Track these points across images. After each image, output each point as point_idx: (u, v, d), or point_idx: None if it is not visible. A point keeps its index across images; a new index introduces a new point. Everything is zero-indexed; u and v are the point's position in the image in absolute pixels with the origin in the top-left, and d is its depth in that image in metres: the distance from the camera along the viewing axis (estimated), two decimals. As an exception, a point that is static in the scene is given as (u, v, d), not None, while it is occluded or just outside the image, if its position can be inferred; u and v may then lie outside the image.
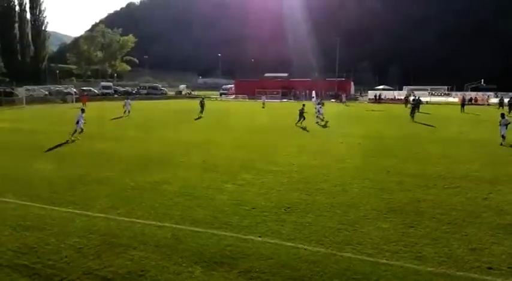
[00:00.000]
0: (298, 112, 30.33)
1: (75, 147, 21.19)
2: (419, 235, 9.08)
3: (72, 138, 22.80)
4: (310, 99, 68.13)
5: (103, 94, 79.33)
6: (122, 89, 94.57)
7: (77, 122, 23.30)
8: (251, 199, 11.69)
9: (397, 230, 9.38)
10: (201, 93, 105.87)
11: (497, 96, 63.02)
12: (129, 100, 41.97)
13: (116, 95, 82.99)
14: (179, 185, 13.26)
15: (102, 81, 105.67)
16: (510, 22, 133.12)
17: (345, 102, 67.61)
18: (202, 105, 40.63)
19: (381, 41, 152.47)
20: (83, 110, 24.09)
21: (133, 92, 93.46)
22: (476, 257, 7.93)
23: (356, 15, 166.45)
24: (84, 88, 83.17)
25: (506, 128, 21.38)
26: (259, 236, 8.99)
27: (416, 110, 33.51)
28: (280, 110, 51.72)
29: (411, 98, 51.80)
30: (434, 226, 9.56)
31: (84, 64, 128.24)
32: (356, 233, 9.21)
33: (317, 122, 32.60)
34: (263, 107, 54.59)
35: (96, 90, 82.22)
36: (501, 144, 20.85)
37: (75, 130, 23.20)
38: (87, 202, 11.51)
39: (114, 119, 36.64)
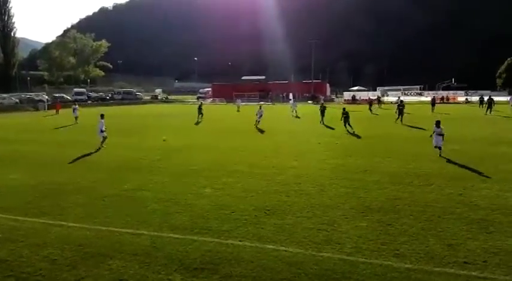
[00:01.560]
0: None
1: (45, 156, 20.65)
2: (396, 232, 9.21)
3: (103, 146, 22.29)
4: (288, 102, 68.80)
5: (76, 100, 77.73)
6: (95, 94, 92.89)
7: (101, 131, 22.54)
8: (231, 203, 11.63)
9: (375, 228, 9.49)
10: (178, 97, 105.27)
11: (467, 95, 64.73)
12: (76, 106, 40.65)
13: (89, 101, 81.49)
14: (156, 191, 13.08)
15: (75, 87, 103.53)
16: (480, 22, 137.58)
17: (323, 103, 68.46)
18: (200, 110, 39.68)
19: (355, 42, 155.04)
20: (102, 116, 23.00)
21: (107, 97, 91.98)
22: (453, 252, 8.10)
23: (331, 17, 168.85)
24: (57, 95, 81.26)
25: (442, 139, 18.14)
26: (240, 240, 8.95)
27: (401, 114, 32.57)
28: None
29: (384, 98, 52.63)
30: (411, 223, 9.72)
31: (56, 70, 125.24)
32: (335, 233, 9.28)
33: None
34: (238, 111, 54.48)
35: (69, 97, 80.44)
36: (440, 155, 17.95)
37: (104, 138, 22.54)
38: (61, 212, 11.22)
39: (61, 127, 35.77)
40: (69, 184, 14.30)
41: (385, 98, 64.41)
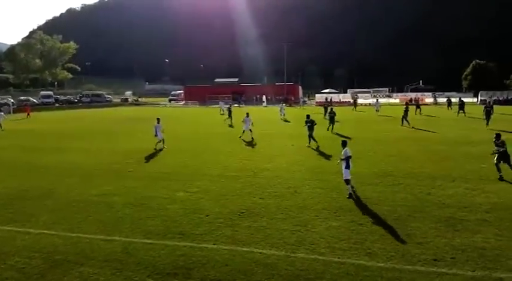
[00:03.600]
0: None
1: (11, 160, 19.94)
2: (368, 231, 9.40)
3: (165, 147, 21.97)
4: (261, 104, 69.07)
5: (43, 104, 75.39)
6: (63, 97, 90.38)
7: (156, 134, 21.96)
8: (205, 206, 11.57)
9: (348, 228, 9.66)
10: (149, 100, 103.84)
11: (435, 96, 66.47)
12: (2, 113, 38.34)
13: (57, 105, 79.26)
14: (128, 196, 12.86)
15: (42, 90, 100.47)
16: (446, 26, 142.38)
17: (301, 105, 69.24)
18: (230, 112, 38.46)
19: (327, 46, 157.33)
20: (158, 120, 22.40)
21: (76, 100, 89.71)
22: (422, 250, 8.33)
23: (303, 20, 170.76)
24: (22, 98, 78.55)
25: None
26: (214, 244, 8.92)
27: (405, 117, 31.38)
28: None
29: (359, 101, 52.81)
30: (381, 223, 9.94)
31: (22, 73, 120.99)
32: (309, 233, 9.38)
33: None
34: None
35: (35, 100, 77.96)
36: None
37: (160, 141, 22.06)
38: (28, 218, 10.88)
39: None
40: (37, 190, 13.87)
41: (361, 101, 65.05)
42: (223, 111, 48.58)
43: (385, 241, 8.81)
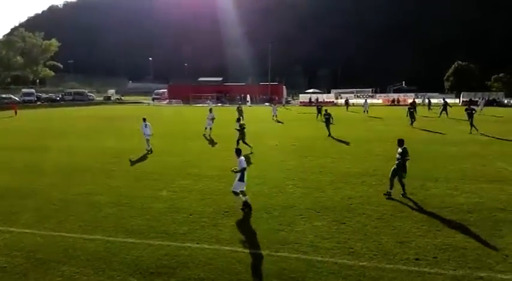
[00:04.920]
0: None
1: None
2: (350, 230, 9.51)
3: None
4: (245, 103, 69.00)
5: (24, 101, 74.00)
6: (45, 95, 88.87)
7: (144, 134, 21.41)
8: (188, 206, 11.54)
9: (331, 227, 9.75)
10: (132, 98, 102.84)
11: (418, 97, 67.17)
12: None
13: (38, 103, 77.86)
14: (111, 195, 12.74)
15: (24, 88, 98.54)
16: (428, 27, 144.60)
17: (284, 105, 69.35)
18: (240, 111, 37.66)
19: (311, 46, 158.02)
20: (144, 119, 21.81)
21: (58, 98, 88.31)
22: (405, 249, 8.46)
23: (287, 20, 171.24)
24: (4, 96, 77.02)
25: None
26: (197, 243, 8.91)
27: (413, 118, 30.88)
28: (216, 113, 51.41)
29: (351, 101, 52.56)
30: (364, 222, 10.06)
31: (3, 70, 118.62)
32: (292, 232, 9.44)
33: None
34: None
35: (17, 98, 76.45)
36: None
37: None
38: (10, 217, 10.72)
39: None
40: (17, 188, 13.65)
41: (353, 101, 65.26)
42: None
43: (367, 240, 8.92)
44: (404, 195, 12.03)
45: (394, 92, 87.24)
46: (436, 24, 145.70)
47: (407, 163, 11.91)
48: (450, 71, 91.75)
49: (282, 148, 21.76)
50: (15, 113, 51.04)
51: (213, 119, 27.99)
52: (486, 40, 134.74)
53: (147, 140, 21.37)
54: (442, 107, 39.66)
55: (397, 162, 11.93)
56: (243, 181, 10.96)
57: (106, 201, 12.10)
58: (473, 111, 27.26)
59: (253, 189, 13.22)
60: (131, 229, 9.78)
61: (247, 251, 8.47)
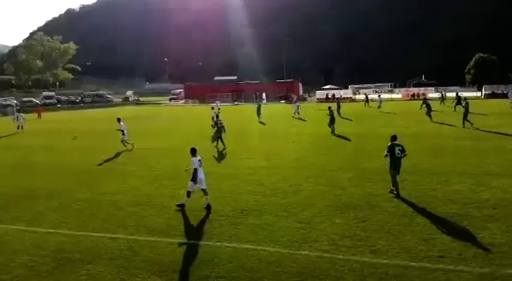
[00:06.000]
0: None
1: (17, 161, 20.00)
2: (372, 228, 9.38)
3: (127, 147, 21.95)
4: (261, 102, 68.83)
5: (45, 104, 75.55)
6: (65, 98, 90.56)
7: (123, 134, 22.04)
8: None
9: (351, 225, 9.64)
10: (150, 99, 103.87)
11: (437, 91, 65.68)
12: (21, 114, 36.90)
13: (59, 105, 79.38)
14: (132, 194, 12.90)
15: (44, 91, 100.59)
16: (445, 19, 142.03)
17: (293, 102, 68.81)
18: (259, 110, 38.01)
19: (326, 42, 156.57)
20: (119, 120, 22.53)
21: (77, 101, 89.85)
22: (428, 246, 8.29)
23: (299, 17, 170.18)
24: (25, 99, 78.81)
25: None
26: (217, 241, 8.93)
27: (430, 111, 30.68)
28: (231, 113, 51.62)
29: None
30: (386, 219, 9.91)
31: (24, 74, 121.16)
32: (312, 230, 9.38)
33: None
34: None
35: (37, 101, 78.10)
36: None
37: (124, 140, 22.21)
38: (35, 218, 10.97)
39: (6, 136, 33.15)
40: (41, 189, 13.93)
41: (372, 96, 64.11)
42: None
43: (390, 238, 8.79)
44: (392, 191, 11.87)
45: (413, 87, 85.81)
46: (453, 17, 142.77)
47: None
48: (471, 63, 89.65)
49: (299, 145, 21.66)
50: (39, 116, 52.05)
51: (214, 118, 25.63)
52: (505, 33, 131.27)
53: (124, 141, 21.86)
54: (456, 101, 38.77)
55: (398, 157, 11.73)
56: (195, 182, 11.02)
57: (127, 200, 12.25)
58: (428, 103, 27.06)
59: (271, 187, 13.22)
60: (152, 228, 9.89)
61: (267, 249, 8.44)
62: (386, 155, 11.92)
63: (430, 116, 30.69)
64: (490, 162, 15.60)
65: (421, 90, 72.82)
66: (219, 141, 21.33)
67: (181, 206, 11.22)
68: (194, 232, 9.52)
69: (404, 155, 11.84)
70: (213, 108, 32.48)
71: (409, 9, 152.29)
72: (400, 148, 11.81)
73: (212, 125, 21.49)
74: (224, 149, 20.87)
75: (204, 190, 11.29)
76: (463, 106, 27.48)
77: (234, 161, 17.97)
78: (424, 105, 31.69)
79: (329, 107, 27.24)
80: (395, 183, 11.83)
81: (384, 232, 9.12)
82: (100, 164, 18.33)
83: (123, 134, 21.89)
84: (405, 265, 7.55)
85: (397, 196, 11.59)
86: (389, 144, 11.95)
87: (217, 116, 22.50)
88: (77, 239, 9.31)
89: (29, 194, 13.46)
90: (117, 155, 20.63)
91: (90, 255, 8.43)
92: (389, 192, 11.94)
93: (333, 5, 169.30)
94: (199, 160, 11.34)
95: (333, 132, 25.51)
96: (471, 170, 14.52)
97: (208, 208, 11.14)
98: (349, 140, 23.15)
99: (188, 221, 10.26)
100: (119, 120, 22.26)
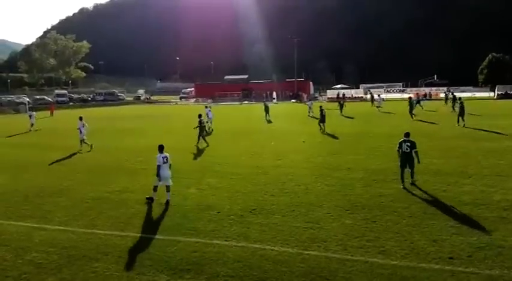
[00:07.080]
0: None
1: (28, 159, 20.24)
2: (381, 229, 9.29)
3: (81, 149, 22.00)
4: (271, 101, 68.78)
5: (57, 102, 76.42)
6: (77, 96, 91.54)
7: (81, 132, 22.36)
8: (216, 203, 11.58)
9: (360, 225, 9.56)
10: (161, 98, 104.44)
11: (449, 91, 65.02)
12: (33, 112, 35.67)
13: (71, 103, 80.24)
14: (141, 192, 12.94)
15: (57, 89, 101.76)
16: (455, 16, 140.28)
17: (305, 101, 68.55)
18: (266, 108, 38.00)
19: (336, 41, 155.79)
20: (81, 118, 22.98)
21: (89, 99, 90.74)
22: (438, 248, 8.19)
23: (309, 16, 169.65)
24: (38, 97, 79.83)
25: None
26: (226, 240, 8.92)
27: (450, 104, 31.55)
28: (240, 111, 51.70)
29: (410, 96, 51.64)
30: (395, 220, 9.81)
31: (37, 72, 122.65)
32: (321, 231, 9.32)
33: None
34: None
35: (50, 99, 79.05)
36: None
37: (82, 140, 22.42)
38: (44, 215, 11.06)
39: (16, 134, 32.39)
40: (51, 187, 14.07)
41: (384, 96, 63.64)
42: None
43: (399, 239, 8.70)
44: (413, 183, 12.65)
45: (425, 86, 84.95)
46: (463, 15, 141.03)
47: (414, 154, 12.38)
48: (484, 63, 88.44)
49: (309, 145, 21.58)
50: (52, 113, 52.67)
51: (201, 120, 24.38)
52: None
53: (83, 140, 22.11)
54: (452, 101, 38.65)
55: (406, 152, 12.33)
56: (158, 177, 11.59)
57: (136, 198, 12.32)
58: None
59: (280, 187, 13.18)
60: (161, 226, 9.92)
61: (275, 249, 8.41)
62: (398, 150, 12.66)
63: (411, 114, 32.28)
64: (502, 163, 15.36)
65: (433, 90, 72.03)
66: (201, 139, 22.36)
67: (150, 200, 11.78)
68: (203, 231, 9.52)
69: (415, 152, 12.29)
70: (206, 107, 32.79)
71: (422, 7, 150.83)
72: (409, 143, 12.36)
73: (197, 126, 22.61)
74: (207, 146, 21.80)
75: (167, 187, 11.77)
76: (458, 106, 28.47)
77: (243, 160, 17.96)
78: (409, 105, 33.23)
79: (320, 106, 28.17)
80: (402, 176, 12.60)
81: (393, 233, 9.03)
82: (110, 162, 18.46)
83: (81, 133, 22.21)
84: (414, 266, 7.47)
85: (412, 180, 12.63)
86: (400, 140, 12.64)
87: (199, 116, 23.08)
88: (85, 237, 9.37)
89: (38, 191, 13.59)
90: (127, 153, 20.75)
91: (99, 253, 8.47)
92: (411, 184, 12.56)
93: (344, 4, 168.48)
94: (164, 157, 11.79)
95: (322, 130, 26.36)
96: (482, 171, 14.32)
97: (167, 203, 11.60)
98: (359, 140, 22.98)
99: (197, 220, 10.26)
100: (81, 118, 22.92)
